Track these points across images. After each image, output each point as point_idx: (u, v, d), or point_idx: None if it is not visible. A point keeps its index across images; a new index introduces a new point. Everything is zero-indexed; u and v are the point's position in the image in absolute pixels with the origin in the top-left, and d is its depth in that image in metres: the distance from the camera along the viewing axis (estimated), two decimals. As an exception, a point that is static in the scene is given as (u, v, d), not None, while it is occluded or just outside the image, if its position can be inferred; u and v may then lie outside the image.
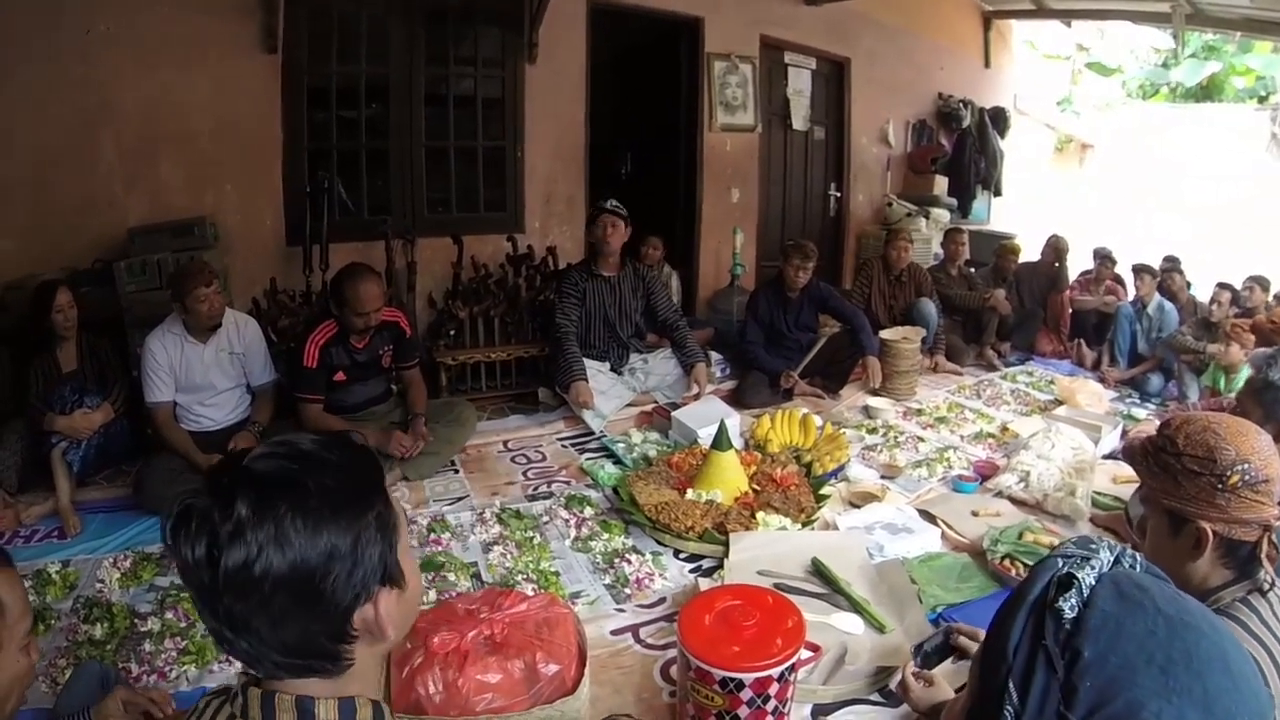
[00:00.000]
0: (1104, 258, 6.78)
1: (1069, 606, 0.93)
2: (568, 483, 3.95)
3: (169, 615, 2.67)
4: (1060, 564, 0.99)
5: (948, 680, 1.96)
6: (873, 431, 4.63)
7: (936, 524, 3.40)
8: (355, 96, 5.45)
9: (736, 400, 5.00)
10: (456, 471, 4.07)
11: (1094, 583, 0.95)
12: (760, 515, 3.28)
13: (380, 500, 1.01)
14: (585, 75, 6.20)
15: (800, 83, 7.74)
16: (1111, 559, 1.00)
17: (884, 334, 5.43)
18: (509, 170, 6.05)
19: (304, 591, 0.91)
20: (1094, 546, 1.01)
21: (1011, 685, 0.94)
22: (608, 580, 3.03)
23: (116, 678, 2.09)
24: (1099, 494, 3.66)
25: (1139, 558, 1.02)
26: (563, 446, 4.44)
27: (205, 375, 3.72)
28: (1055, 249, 6.70)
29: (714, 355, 5.53)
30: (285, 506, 0.90)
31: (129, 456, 3.88)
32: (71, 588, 2.92)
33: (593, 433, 4.54)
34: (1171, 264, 6.41)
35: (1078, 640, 0.91)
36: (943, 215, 8.44)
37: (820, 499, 3.55)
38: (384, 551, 0.98)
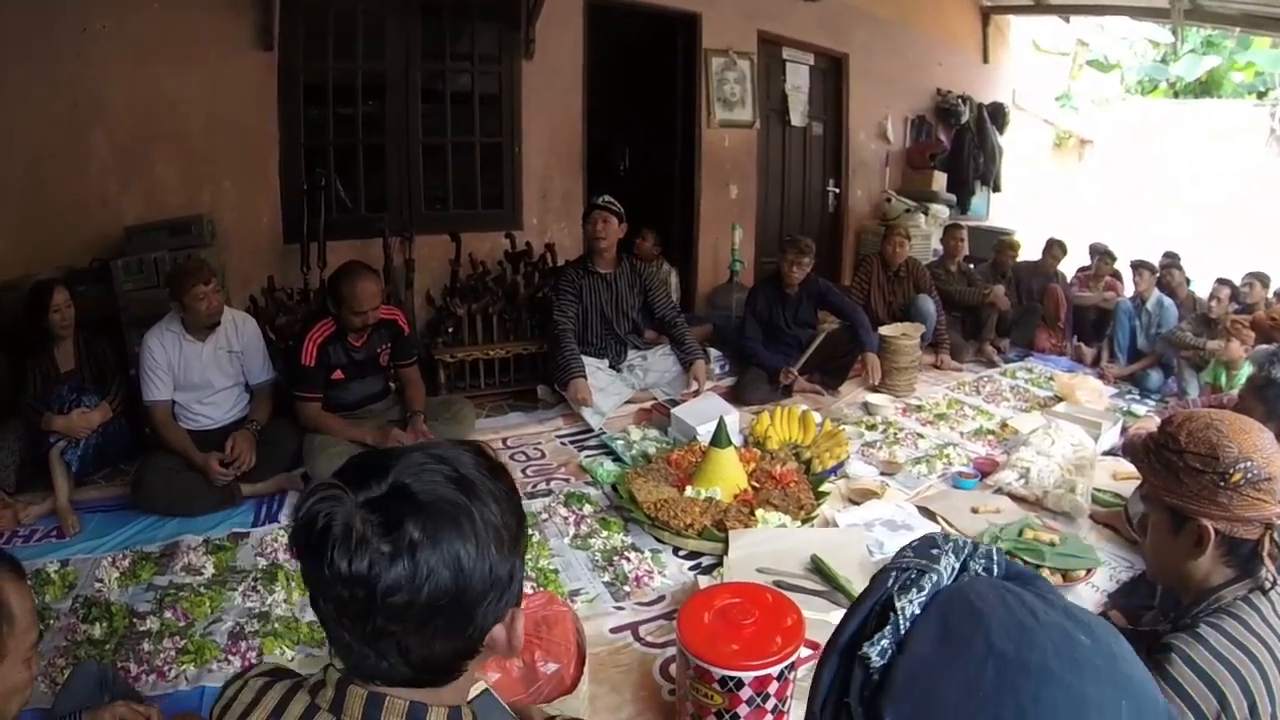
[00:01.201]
0: (1102, 254, 6.79)
1: (877, 652, 0.76)
2: (567, 480, 3.95)
3: (168, 614, 2.67)
4: (891, 581, 0.81)
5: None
6: (872, 428, 4.63)
7: (936, 521, 3.40)
8: (351, 93, 5.43)
9: (735, 397, 5.00)
10: (455, 469, 4.04)
11: (918, 612, 0.77)
12: (759, 512, 3.27)
13: (524, 528, 1.04)
14: (582, 71, 6.19)
15: (798, 78, 7.72)
16: (956, 567, 0.82)
17: (883, 330, 5.43)
18: (506, 167, 6.04)
19: (460, 615, 0.94)
20: (936, 552, 0.83)
21: None
22: (607, 578, 3.03)
23: (115, 678, 2.08)
24: (1099, 490, 3.67)
25: (995, 555, 0.84)
26: (562, 444, 4.43)
27: (203, 374, 3.71)
28: (1053, 255, 6.75)
29: (713, 352, 5.53)
30: (456, 534, 0.92)
31: (127, 456, 3.87)
32: (70, 587, 2.91)
33: (592, 430, 4.53)
34: (1170, 260, 6.43)
35: (882, 699, 0.74)
36: (941, 211, 8.44)
37: (820, 496, 3.54)
38: (523, 575, 1.03)
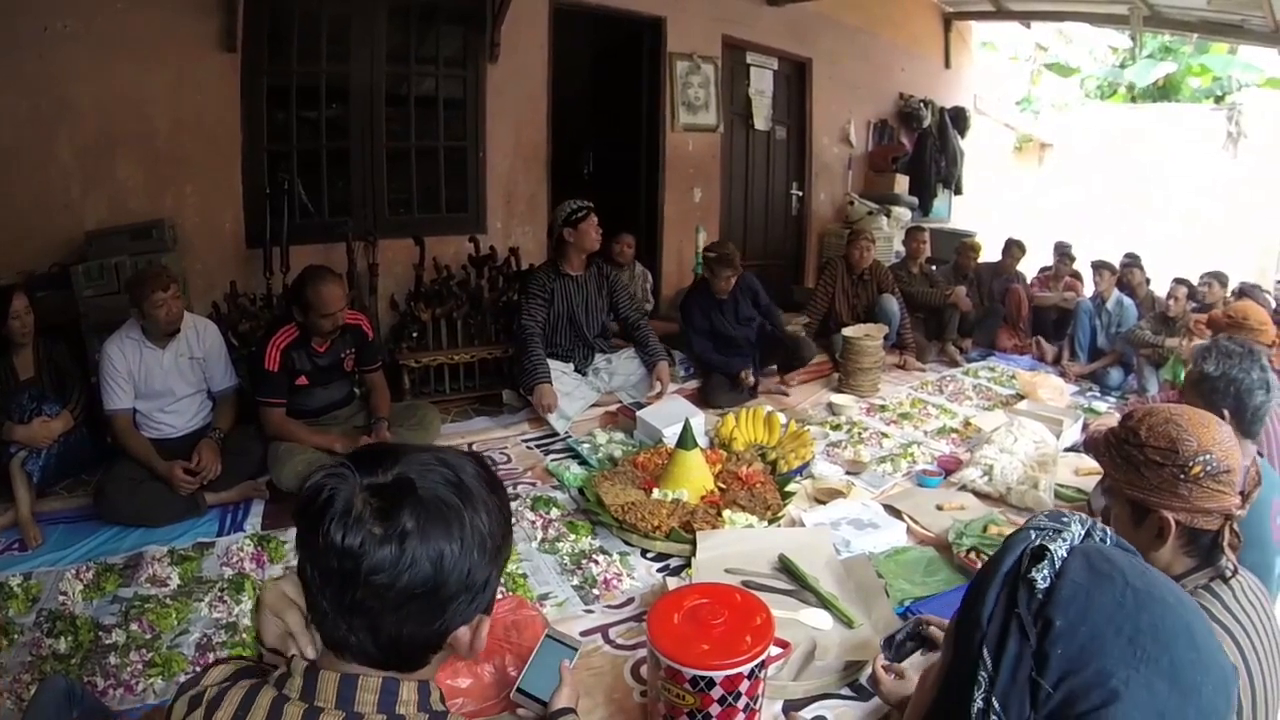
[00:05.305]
0: (1063, 254, 6.90)
1: (1041, 577, 0.96)
2: (533, 484, 3.94)
3: (134, 627, 2.62)
4: (1033, 536, 1.01)
5: (917, 672, 1.98)
6: (837, 428, 4.66)
7: (902, 519, 3.43)
8: (316, 96, 5.39)
9: (701, 399, 5.02)
10: (422, 474, 4.01)
11: (1065, 555, 0.98)
12: (726, 513, 3.29)
13: (510, 542, 1.13)
14: (547, 75, 6.18)
15: (762, 83, 7.77)
16: (1083, 532, 1.03)
17: (846, 331, 5.48)
18: (470, 171, 6.02)
19: (432, 607, 1.00)
20: (1065, 520, 1.04)
21: (985, 652, 0.97)
22: (575, 581, 3.03)
23: (83, 693, 2.04)
24: (1061, 486, 3.72)
25: (1109, 532, 1.05)
26: (528, 448, 4.43)
27: (165, 381, 3.65)
28: (1012, 255, 6.86)
29: (677, 355, 5.54)
30: (444, 533, 0.98)
31: (89, 465, 3.78)
32: (34, 601, 2.84)
33: (558, 434, 4.52)
34: (1130, 260, 6.54)
35: (1049, 610, 0.94)
36: (904, 214, 8.51)
37: (786, 496, 3.57)
38: (498, 586, 1.11)
